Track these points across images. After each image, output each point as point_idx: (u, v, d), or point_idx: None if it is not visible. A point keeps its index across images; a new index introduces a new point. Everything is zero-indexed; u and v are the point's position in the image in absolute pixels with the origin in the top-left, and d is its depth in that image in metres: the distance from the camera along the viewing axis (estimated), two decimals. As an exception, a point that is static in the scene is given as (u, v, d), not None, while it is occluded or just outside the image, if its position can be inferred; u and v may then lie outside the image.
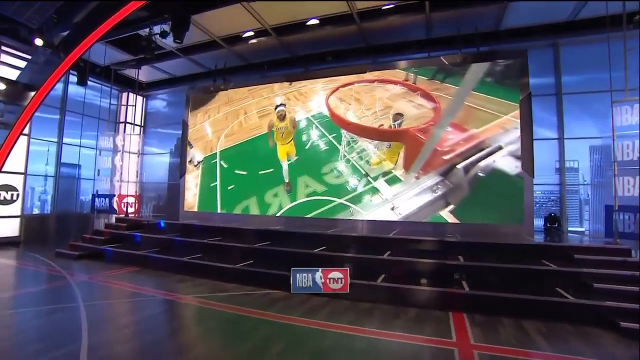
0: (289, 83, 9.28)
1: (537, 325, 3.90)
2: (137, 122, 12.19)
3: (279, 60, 9.83)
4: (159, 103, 12.71)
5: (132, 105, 11.39)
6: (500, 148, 7.05)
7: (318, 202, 8.45)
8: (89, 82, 10.09)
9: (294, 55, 9.51)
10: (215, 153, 10.03)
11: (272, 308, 4.45)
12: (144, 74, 11.18)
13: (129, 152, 10.93)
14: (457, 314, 4.27)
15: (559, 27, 7.36)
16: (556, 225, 7.42)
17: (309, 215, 8.44)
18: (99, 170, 10.21)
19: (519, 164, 6.88)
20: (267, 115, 9.47)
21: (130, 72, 11.15)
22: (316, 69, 9.32)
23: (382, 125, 8.01)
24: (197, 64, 10.26)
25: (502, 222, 6.89)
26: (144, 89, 12.02)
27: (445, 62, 7.60)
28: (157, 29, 7.62)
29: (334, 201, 8.29)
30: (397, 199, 7.66)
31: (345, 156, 8.35)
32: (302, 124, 9.00)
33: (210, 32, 8.37)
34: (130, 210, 10.03)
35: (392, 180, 7.81)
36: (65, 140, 10.48)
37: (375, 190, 7.93)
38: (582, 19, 7.11)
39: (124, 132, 11.51)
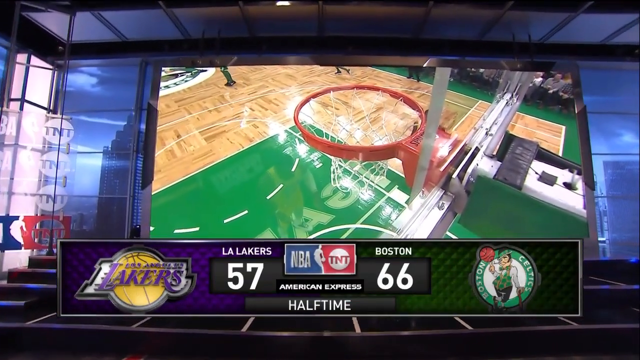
0: (234, 89, 7.37)
1: None
2: (44, 103, 7.83)
3: (295, 38, 7.70)
4: (86, 79, 8.53)
5: (52, 68, 7.16)
6: (477, 150, 6.78)
7: (327, 236, 6.23)
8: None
9: (319, 36, 7.57)
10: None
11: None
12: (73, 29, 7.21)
13: (60, 151, 6.68)
14: None
15: (591, 48, 7.81)
16: (591, 237, 7.65)
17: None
18: (-19, 175, 5.85)
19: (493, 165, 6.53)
20: (220, 135, 6.96)
21: (47, 21, 7.08)
22: (351, 55, 7.66)
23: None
24: (177, 24, 7.15)
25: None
26: (62, 53, 7.83)
27: (505, 66, 7.18)
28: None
29: (349, 229, 6.37)
30: (407, 230, 6.33)
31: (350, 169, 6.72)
32: (281, 139, 6.97)
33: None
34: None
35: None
36: None
37: (393, 203, 6.52)
38: (610, 44, 7.67)
39: (21, 111, 7.11)
